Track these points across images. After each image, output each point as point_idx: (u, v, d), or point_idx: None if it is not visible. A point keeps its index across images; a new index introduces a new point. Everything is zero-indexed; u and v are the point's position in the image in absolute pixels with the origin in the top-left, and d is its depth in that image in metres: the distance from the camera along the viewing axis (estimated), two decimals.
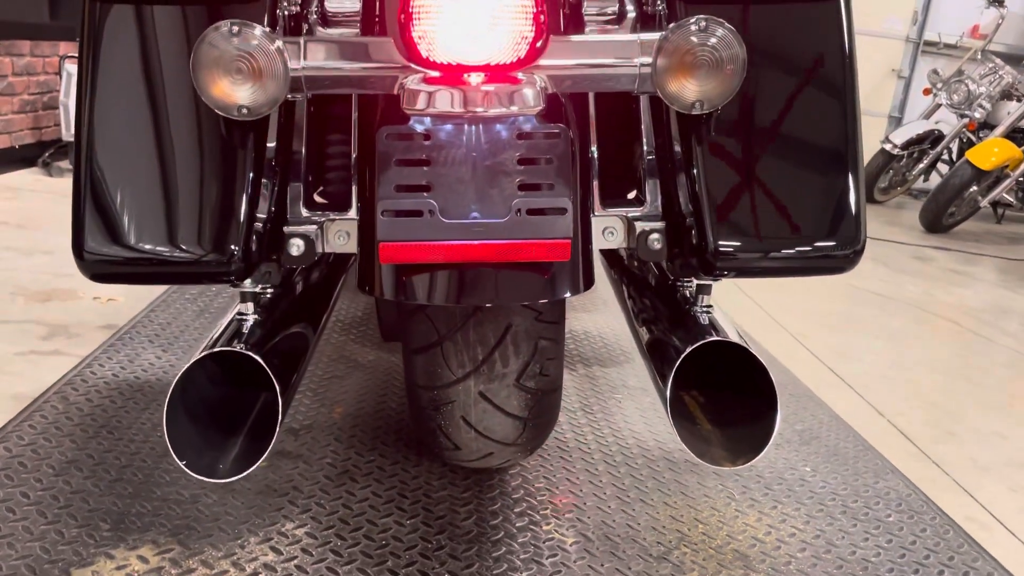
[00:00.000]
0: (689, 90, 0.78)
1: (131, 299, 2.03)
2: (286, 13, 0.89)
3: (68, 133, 3.23)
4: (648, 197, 0.92)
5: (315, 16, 0.96)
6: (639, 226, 0.90)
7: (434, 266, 0.79)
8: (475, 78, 0.73)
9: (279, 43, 0.74)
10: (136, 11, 0.82)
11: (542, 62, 0.76)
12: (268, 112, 0.78)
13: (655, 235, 0.90)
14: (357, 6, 0.95)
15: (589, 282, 0.84)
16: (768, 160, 0.86)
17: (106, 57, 0.81)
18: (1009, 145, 4.83)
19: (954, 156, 5.89)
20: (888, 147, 5.81)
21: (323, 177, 0.91)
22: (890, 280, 3.51)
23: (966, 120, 5.68)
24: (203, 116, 0.79)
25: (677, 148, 0.87)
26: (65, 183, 3.18)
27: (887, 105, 6.95)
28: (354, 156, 0.89)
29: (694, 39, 0.76)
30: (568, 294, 0.84)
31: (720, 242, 0.83)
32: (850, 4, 0.92)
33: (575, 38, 0.83)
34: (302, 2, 0.95)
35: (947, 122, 5.89)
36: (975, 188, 4.92)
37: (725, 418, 0.87)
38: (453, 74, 0.73)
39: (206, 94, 0.74)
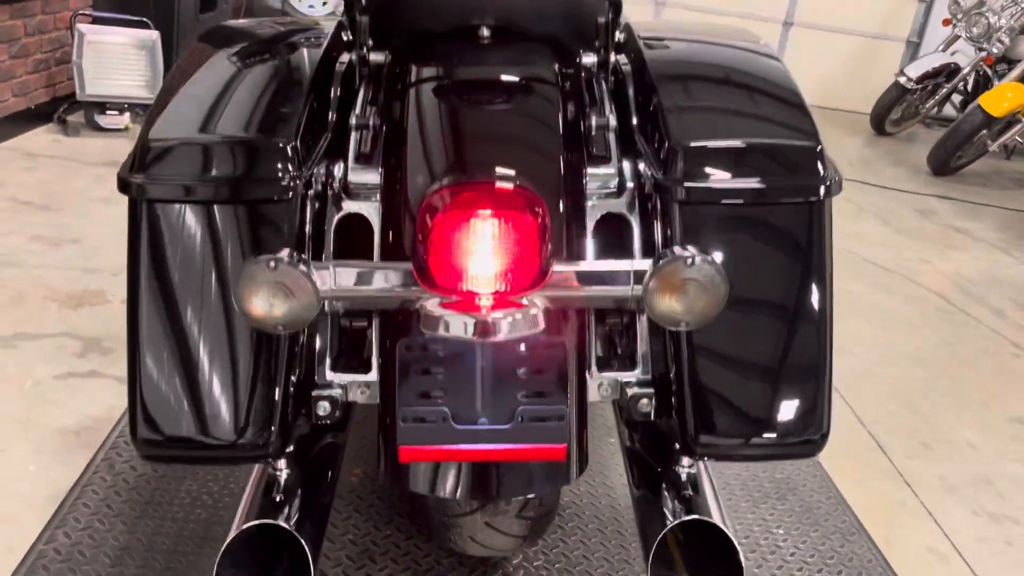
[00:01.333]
0: (676, 313, 0.87)
1: None
2: (311, 192, 0.97)
3: (82, 93, 3.26)
4: (640, 362, 1.02)
5: (338, 188, 1.03)
6: (630, 390, 1.00)
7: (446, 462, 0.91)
8: (485, 300, 0.82)
9: (311, 273, 0.83)
10: (178, 212, 0.91)
11: (546, 287, 0.85)
12: (303, 327, 0.88)
13: (644, 400, 1.00)
14: (377, 179, 1.02)
15: (583, 468, 0.96)
16: (746, 356, 0.96)
17: (150, 255, 0.90)
18: (1022, 89, 4.78)
19: (969, 87, 5.83)
20: (903, 80, 5.75)
21: (346, 342, 1.01)
22: (890, 244, 3.58)
23: (984, 54, 5.59)
24: (239, 315, 0.89)
25: (668, 337, 0.97)
26: (82, 144, 3.23)
27: (906, 29, 6.81)
28: (375, 324, 0.99)
29: (682, 274, 0.85)
30: (564, 484, 0.96)
31: (701, 435, 0.94)
32: (831, 207, 0.99)
33: (575, 268, 0.91)
34: (326, 176, 1.02)
35: (964, 53, 5.80)
36: (985, 132, 4.90)
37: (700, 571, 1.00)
38: (466, 298, 0.82)
39: (247, 315, 0.84)
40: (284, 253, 0.83)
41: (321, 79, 1.10)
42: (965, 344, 2.68)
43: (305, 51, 1.15)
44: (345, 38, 1.25)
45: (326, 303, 0.93)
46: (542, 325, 0.83)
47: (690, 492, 0.97)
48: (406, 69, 1.08)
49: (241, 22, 1.36)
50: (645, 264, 0.88)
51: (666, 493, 0.99)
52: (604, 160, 1.07)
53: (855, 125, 6.34)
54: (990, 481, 1.95)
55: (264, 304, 0.83)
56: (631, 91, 1.13)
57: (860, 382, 2.33)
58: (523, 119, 1.05)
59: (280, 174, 0.93)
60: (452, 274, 0.82)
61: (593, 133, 1.09)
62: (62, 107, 3.41)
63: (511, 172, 0.95)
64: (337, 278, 0.88)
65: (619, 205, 1.06)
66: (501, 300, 0.82)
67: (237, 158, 0.93)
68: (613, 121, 1.10)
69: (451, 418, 0.86)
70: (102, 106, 3.33)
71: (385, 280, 0.89)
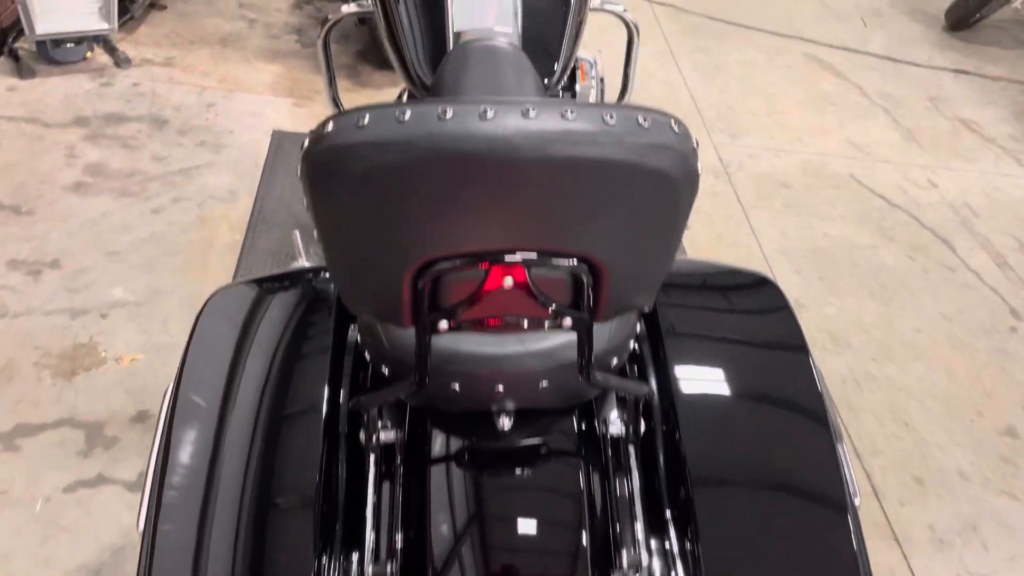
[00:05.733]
0: None
1: (151, 354, 2.10)
2: None
3: (32, 33, 2.94)
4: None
5: None
6: None
7: None
8: None
9: None
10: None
11: None
12: None
13: None
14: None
15: None
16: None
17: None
18: None
19: None
20: None
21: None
22: (897, 158, 3.42)
23: None
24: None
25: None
26: (42, 92, 2.96)
27: None
28: None
29: None
30: None
31: None
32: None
33: None
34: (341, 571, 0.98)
35: None
36: None
37: None
38: None
39: None
40: None
41: (331, 455, 1.04)
42: (964, 317, 2.68)
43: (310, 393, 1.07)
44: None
45: None
46: None
47: None
48: (422, 450, 1.00)
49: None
50: None
51: None
52: (632, 544, 1.03)
53: None
54: (976, 527, 2.04)
55: None
56: (661, 459, 1.06)
57: (860, 392, 2.36)
58: (548, 499, 0.99)
59: None
60: None
61: (618, 514, 1.04)
62: (10, 38, 3.08)
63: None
64: None
65: None
66: None
67: None
68: (639, 507, 1.05)
69: None
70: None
71: None
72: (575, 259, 0.82)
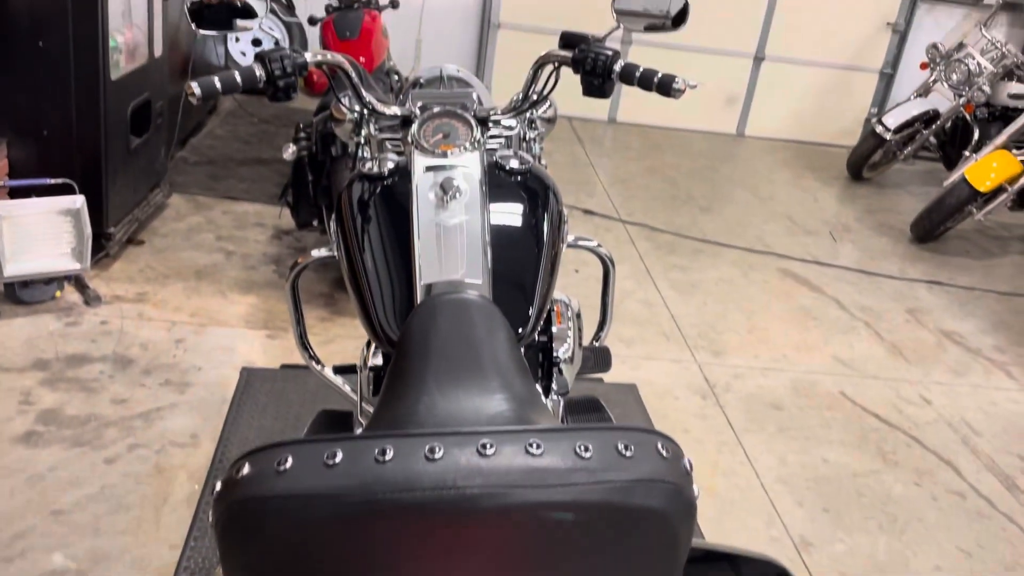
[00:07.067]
0: None
1: None
2: None
3: (1, 276, 2.89)
4: None
5: None
6: None
7: None
8: None
9: None
10: None
11: None
12: None
13: None
14: None
15: None
16: None
17: None
18: (1008, 159, 4.60)
19: (946, 130, 5.63)
20: (880, 130, 5.56)
21: None
22: (886, 373, 3.33)
23: (963, 100, 5.39)
24: None
25: None
26: (3, 328, 2.87)
27: (879, 61, 6.58)
28: None
29: None
30: None
31: None
32: None
33: None
34: None
35: (942, 94, 5.60)
36: (971, 205, 4.72)
37: None
38: None
39: None
40: None
41: None
42: (984, 552, 2.48)
43: None
44: None
45: None
46: None
47: None
48: None
49: None
50: None
51: None
52: None
53: (830, 166, 6.12)
54: None
55: None
56: None
57: None
58: None
59: None
60: None
61: None
62: None
63: None
64: None
65: None
66: None
67: None
68: None
69: None
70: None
71: None
72: None
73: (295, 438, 0.64)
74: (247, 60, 5.63)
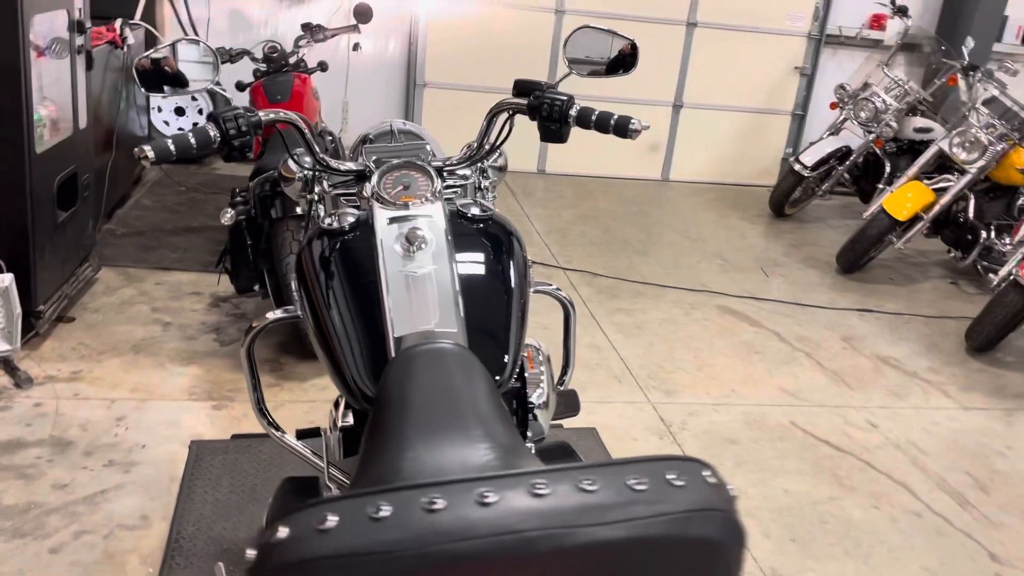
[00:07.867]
0: None
1: None
2: None
3: None
4: None
5: None
6: None
7: None
8: None
9: None
10: None
11: None
12: None
13: None
14: None
15: None
16: None
17: None
18: (921, 189, 4.83)
19: (859, 165, 5.88)
20: (798, 168, 5.79)
21: None
22: (830, 400, 3.41)
23: (873, 136, 5.66)
24: None
25: None
26: None
27: (790, 103, 6.87)
28: None
29: None
30: None
31: None
32: None
33: None
34: None
35: (853, 131, 5.87)
36: (891, 235, 4.92)
37: None
38: None
39: None
40: None
41: None
42: (947, 570, 2.53)
43: None
44: None
45: None
46: None
47: None
48: None
49: None
50: None
51: None
52: None
53: (753, 205, 6.32)
54: None
55: None
56: None
57: None
58: None
59: None
60: None
61: None
62: None
63: None
64: None
65: None
66: None
67: None
68: None
69: None
70: None
71: None
72: None
73: (332, 496, 0.61)
74: (171, 130, 5.55)
